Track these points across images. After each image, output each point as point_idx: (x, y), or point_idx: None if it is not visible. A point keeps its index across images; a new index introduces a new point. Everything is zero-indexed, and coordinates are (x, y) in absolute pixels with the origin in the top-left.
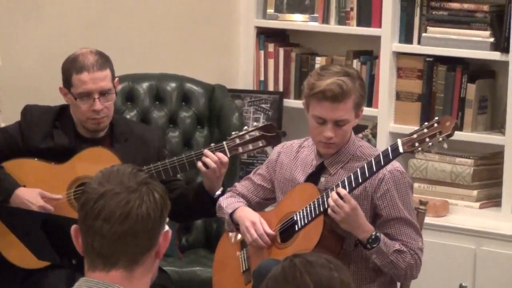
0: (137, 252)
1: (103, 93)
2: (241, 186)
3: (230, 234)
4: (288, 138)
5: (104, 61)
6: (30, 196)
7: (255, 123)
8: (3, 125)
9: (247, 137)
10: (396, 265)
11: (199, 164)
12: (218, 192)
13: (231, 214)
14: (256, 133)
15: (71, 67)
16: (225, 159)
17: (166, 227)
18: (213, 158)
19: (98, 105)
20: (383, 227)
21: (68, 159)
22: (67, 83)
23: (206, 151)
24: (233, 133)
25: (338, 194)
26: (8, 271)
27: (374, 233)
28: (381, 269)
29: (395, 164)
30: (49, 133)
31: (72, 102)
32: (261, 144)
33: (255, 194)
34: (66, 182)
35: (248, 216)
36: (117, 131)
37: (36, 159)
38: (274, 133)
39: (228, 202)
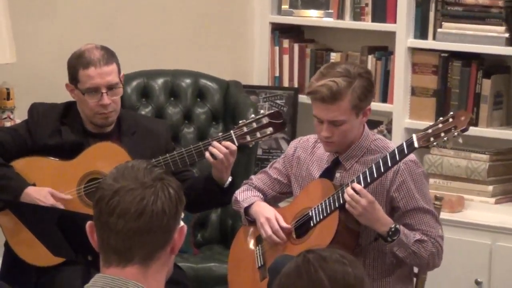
0: (152, 248)
1: (110, 88)
2: (257, 179)
3: (246, 229)
4: (303, 134)
5: (110, 55)
6: (40, 194)
7: (262, 111)
8: (18, 121)
9: (255, 124)
10: (419, 255)
11: (207, 154)
12: (228, 182)
13: (247, 209)
14: (263, 121)
15: (77, 63)
16: (233, 147)
17: (181, 223)
18: (220, 149)
19: (106, 100)
20: (402, 219)
21: (77, 155)
22: (74, 79)
23: (214, 142)
24: (240, 121)
25: (353, 189)
26: (24, 268)
27: (393, 226)
28: (398, 263)
29: (409, 155)
30: (57, 130)
31: (80, 98)
32: (268, 132)
33: (271, 188)
34: (76, 178)
35: (263, 212)
36: (124, 125)
37: (45, 156)
38: (281, 119)
39: (244, 196)
